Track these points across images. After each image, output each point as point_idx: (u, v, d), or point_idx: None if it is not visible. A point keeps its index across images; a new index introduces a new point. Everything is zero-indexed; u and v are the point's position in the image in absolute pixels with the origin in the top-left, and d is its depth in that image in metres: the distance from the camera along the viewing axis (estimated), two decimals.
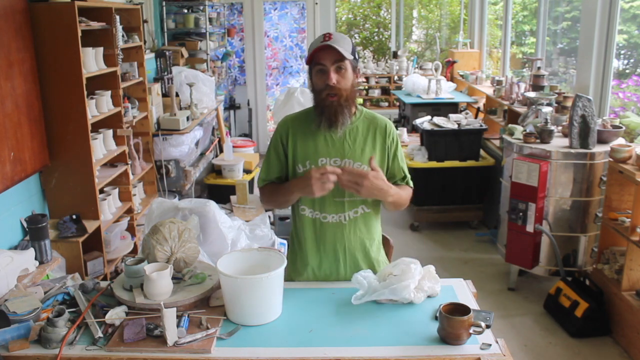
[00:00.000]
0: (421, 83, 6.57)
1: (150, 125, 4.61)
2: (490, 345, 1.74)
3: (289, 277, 2.27)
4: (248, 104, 8.19)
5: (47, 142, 3.39)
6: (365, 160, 2.11)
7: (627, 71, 4.93)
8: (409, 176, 2.24)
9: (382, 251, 2.32)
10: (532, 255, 3.88)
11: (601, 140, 3.81)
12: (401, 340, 1.78)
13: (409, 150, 5.34)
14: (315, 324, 1.87)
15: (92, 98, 3.59)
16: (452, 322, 1.74)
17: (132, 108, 4.21)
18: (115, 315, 1.88)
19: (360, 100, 8.00)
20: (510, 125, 4.39)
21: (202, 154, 5.53)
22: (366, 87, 8.33)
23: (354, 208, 2.14)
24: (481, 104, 6.26)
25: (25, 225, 3.13)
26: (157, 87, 4.96)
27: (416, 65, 8.11)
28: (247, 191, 4.72)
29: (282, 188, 2.15)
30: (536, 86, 4.87)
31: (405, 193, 2.18)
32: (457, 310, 1.77)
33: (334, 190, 2.06)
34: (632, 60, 5.00)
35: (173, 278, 2.01)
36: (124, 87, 3.97)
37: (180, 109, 5.11)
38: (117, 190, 3.91)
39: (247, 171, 5.56)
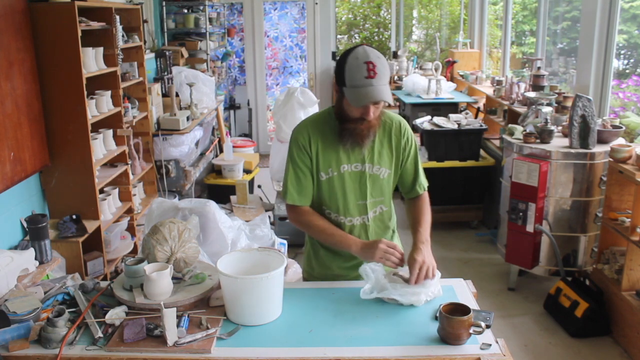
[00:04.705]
0: (421, 83, 6.55)
1: (150, 125, 4.61)
2: (490, 345, 1.74)
3: (316, 275, 2.28)
4: (248, 104, 8.19)
5: (47, 142, 3.39)
6: (383, 162, 2.13)
7: (627, 71, 4.92)
8: (422, 178, 2.29)
9: (397, 236, 2.37)
10: (532, 255, 3.88)
11: (601, 140, 3.81)
12: (401, 340, 1.78)
13: None
14: (315, 324, 1.87)
15: (92, 98, 3.59)
16: (452, 322, 1.74)
17: (132, 108, 4.21)
18: (115, 315, 1.88)
19: None
20: (510, 125, 4.39)
21: (202, 154, 5.53)
22: None
23: (374, 208, 2.19)
24: (481, 104, 6.25)
25: (25, 225, 3.13)
26: (157, 87, 4.96)
27: (416, 65, 8.10)
28: (247, 191, 4.72)
29: (333, 237, 2.11)
30: (536, 86, 4.87)
31: (428, 210, 2.32)
32: (457, 310, 1.78)
33: (357, 194, 2.14)
34: (632, 60, 4.99)
35: (173, 278, 2.01)
36: (124, 87, 3.97)
37: (180, 109, 5.11)
38: (117, 190, 3.91)
39: (247, 171, 5.56)
